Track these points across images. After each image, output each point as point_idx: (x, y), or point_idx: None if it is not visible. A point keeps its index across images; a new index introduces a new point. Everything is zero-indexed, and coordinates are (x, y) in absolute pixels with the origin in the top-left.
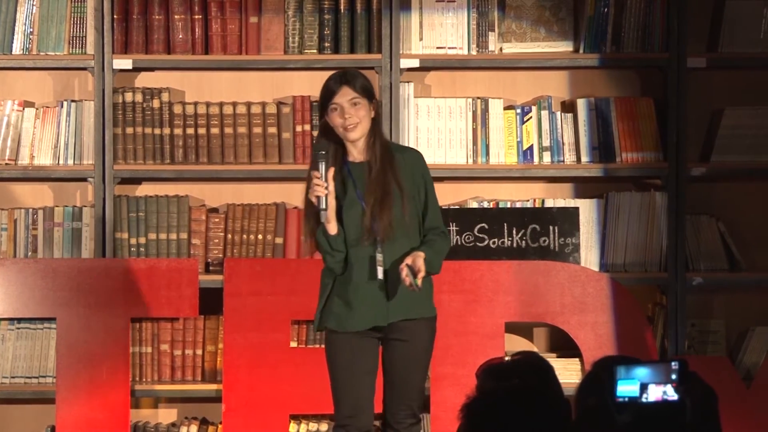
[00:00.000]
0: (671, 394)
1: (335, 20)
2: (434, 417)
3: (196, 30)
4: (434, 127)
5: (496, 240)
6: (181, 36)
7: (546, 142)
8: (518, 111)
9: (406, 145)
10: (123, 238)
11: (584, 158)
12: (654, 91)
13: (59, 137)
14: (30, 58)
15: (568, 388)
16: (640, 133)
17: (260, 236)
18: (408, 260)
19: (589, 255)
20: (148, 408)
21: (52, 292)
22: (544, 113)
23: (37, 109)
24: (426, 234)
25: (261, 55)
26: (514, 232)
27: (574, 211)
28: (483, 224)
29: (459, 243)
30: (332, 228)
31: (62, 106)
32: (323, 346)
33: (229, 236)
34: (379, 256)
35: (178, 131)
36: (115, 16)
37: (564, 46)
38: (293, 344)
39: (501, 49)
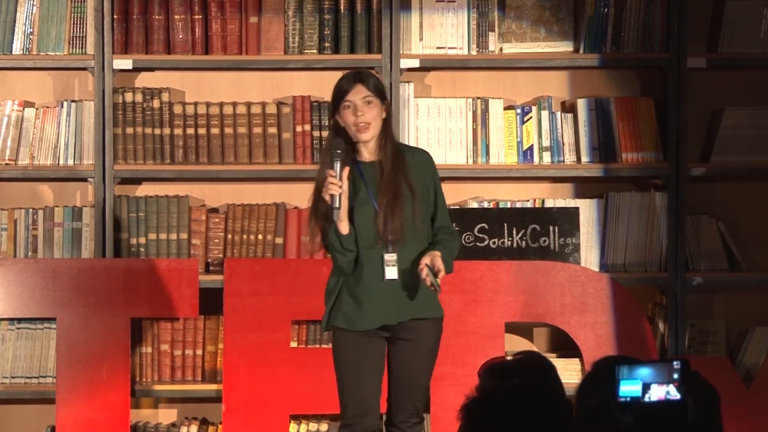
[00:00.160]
0: (674, 394)
1: (335, 20)
2: (434, 417)
3: (196, 30)
4: (434, 128)
5: (496, 240)
6: (181, 36)
7: (546, 142)
8: (518, 111)
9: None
10: (123, 238)
11: (584, 158)
12: (654, 91)
13: (59, 137)
14: (30, 58)
15: (568, 389)
16: (640, 133)
17: (260, 236)
18: (426, 260)
19: (589, 255)
20: (148, 408)
21: (52, 292)
22: (545, 113)
23: (37, 109)
24: (436, 234)
25: (261, 55)
26: (515, 232)
27: (574, 211)
28: (483, 224)
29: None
30: (344, 227)
31: (62, 106)
32: (323, 346)
33: (229, 236)
34: (393, 257)
35: (178, 131)
36: (115, 16)
37: (564, 46)
38: (293, 344)
39: (501, 49)
